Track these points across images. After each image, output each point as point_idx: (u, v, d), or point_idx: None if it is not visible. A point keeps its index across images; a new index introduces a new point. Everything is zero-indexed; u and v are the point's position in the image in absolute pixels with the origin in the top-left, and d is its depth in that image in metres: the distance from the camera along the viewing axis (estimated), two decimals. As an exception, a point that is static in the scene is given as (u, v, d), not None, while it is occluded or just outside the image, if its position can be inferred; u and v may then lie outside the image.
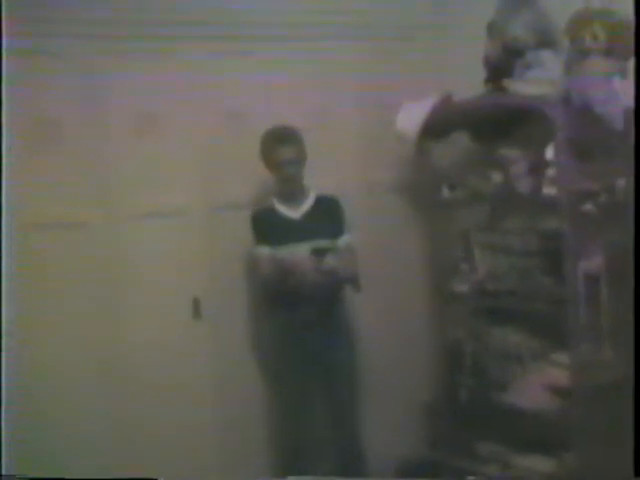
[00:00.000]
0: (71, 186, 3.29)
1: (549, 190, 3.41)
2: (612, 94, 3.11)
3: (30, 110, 3.14)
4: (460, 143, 3.94)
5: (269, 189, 3.65)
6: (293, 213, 3.58)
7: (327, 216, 3.59)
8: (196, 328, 3.63)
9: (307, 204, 3.59)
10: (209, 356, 3.68)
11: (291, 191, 3.56)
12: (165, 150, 3.49)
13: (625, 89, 3.05)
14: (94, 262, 3.35)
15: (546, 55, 3.45)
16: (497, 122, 3.74)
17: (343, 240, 3.60)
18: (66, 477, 2.79)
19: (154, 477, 3.07)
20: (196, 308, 3.62)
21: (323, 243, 3.51)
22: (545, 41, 3.47)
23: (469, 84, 3.64)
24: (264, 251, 3.52)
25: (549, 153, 3.40)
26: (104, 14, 3.25)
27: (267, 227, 3.55)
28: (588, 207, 3.28)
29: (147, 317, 3.48)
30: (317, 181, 3.62)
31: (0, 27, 2.67)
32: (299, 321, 3.52)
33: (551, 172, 3.40)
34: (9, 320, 3.03)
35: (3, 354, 2.90)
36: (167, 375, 3.53)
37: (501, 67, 3.55)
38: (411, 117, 3.77)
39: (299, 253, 3.42)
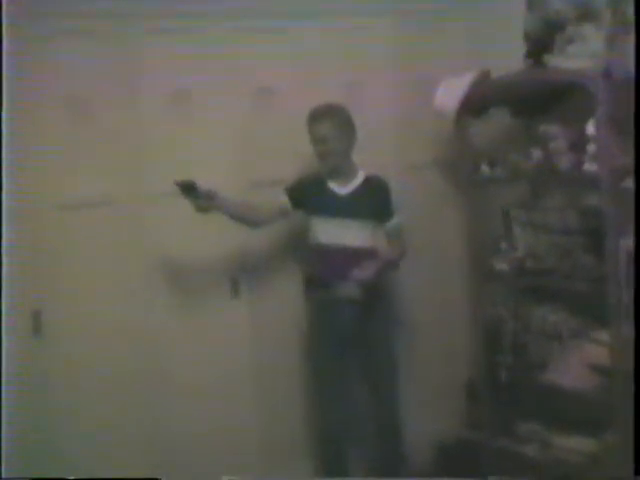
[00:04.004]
0: (107, 164, 3.32)
1: (590, 167, 3.37)
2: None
3: (61, 88, 3.16)
4: (499, 119, 3.90)
5: (306, 165, 3.66)
6: (339, 189, 3.57)
7: (374, 196, 3.57)
8: (234, 308, 3.65)
9: (355, 182, 3.58)
10: (248, 336, 3.71)
11: (331, 168, 3.54)
12: (199, 127, 3.49)
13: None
14: (129, 242, 3.37)
15: (587, 29, 3.40)
16: (537, 98, 3.70)
17: (392, 223, 3.59)
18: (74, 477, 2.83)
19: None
20: (234, 288, 3.64)
21: (364, 223, 3.51)
22: (586, 15, 3.42)
23: (509, 59, 3.61)
24: (284, 201, 3.54)
25: (590, 129, 3.36)
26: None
27: (310, 194, 3.55)
28: (629, 184, 3.23)
29: (182, 298, 3.50)
30: (355, 159, 3.60)
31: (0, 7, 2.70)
32: (338, 299, 3.52)
33: (592, 148, 3.35)
34: (38, 301, 3.09)
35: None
36: (202, 361, 3.56)
37: (542, 42, 3.51)
38: (450, 93, 3.75)
39: None
